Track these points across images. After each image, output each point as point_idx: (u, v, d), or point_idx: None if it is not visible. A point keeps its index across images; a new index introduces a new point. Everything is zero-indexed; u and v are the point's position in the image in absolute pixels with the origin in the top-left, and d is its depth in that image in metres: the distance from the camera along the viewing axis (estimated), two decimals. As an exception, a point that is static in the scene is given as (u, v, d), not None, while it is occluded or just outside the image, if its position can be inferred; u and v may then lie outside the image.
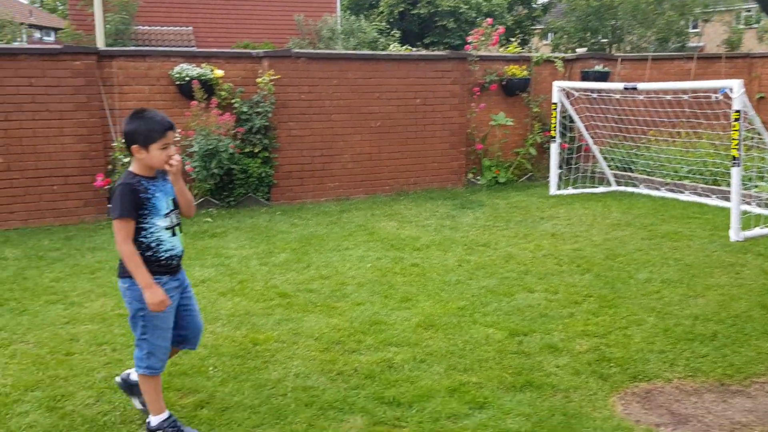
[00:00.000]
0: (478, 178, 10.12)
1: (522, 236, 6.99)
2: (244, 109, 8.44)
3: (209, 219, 7.91)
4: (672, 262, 5.99)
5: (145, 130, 3.08)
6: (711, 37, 32.12)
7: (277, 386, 3.70)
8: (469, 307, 4.92)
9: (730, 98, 6.86)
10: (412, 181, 9.62)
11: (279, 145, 8.78)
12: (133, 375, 3.40)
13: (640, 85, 8.09)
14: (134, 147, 3.09)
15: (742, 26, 33.06)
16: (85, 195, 7.85)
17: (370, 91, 9.23)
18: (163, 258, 3.16)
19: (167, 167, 3.11)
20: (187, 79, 8.06)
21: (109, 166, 7.97)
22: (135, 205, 3.05)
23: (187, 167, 7.98)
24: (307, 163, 8.97)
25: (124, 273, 3.16)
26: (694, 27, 33.75)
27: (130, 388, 3.46)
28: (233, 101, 8.42)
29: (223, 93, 8.35)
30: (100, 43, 11.69)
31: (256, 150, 8.59)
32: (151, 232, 3.12)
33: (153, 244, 3.14)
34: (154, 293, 3.04)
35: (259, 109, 8.51)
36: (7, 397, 3.54)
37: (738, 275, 5.59)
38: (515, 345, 4.29)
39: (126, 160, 7.77)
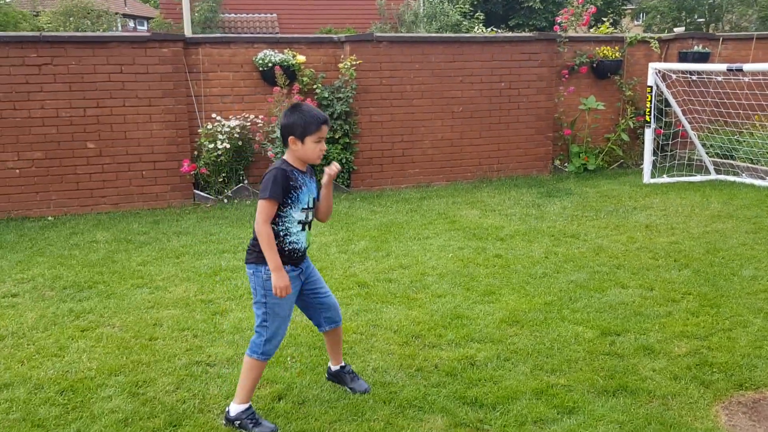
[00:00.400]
0: (566, 165, 9.71)
1: (613, 227, 6.62)
2: (326, 94, 8.38)
3: (290, 205, 7.91)
4: (781, 258, 5.50)
5: (302, 124, 3.17)
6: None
7: (355, 380, 3.59)
8: (556, 303, 4.67)
9: None
10: (495, 168, 9.33)
11: (359, 131, 8.69)
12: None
13: (746, 66, 7.48)
14: (291, 138, 3.20)
15: None
16: (172, 180, 8.02)
17: (453, 75, 8.99)
18: (286, 249, 3.22)
19: (327, 170, 3.23)
20: (269, 65, 8.07)
21: (195, 152, 8.11)
22: (284, 190, 3.15)
23: (269, 153, 8.01)
24: (387, 149, 8.85)
25: (250, 259, 3.26)
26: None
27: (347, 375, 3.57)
28: (315, 87, 8.38)
29: (305, 78, 8.32)
30: (188, 31, 11.96)
31: (337, 136, 8.53)
32: (284, 222, 3.20)
33: (281, 233, 3.20)
34: (281, 277, 3.11)
35: (340, 95, 8.44)
36: (91, 381, 3.60)
37: None
38: (607, 345, 4.02)
39: (210, 146, 7.89)
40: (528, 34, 9.53)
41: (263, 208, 3.12)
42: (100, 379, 3.63)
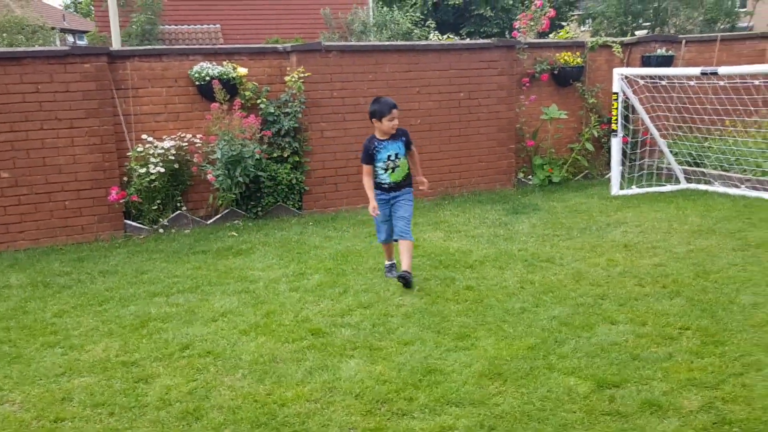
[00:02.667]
0: (530, 177, 9.18)
1: (590, 248, 6.07)
2: (271, 110, 7.66)
3: (234, 233, 7.16)
4: (778, 279, 5.01)
5: (380, 110, 5.18)
6: (763, 16, 30.37)
7: (308, 471, 2.89)
8: (541, 347, 4.04)
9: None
10: (457, 183, 8.74)
11: (310, 149, 7.99)
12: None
13: (722, 70, 7.05)
14: (374, 120, 5.21)
15: (796, 3, 31.21)
16: (99, 210, 7.16)
17: (409, 86, 8.37)
18: (376, 182, 5.34)
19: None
20: (207, 78, 7.31)
21: (125, 178, 7.27)
22: (368, 155, 5.28)
23: (209, 176, 7.23)
24: (341, 167, 8.16)
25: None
26: (742, 6, 32.00)
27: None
28: (258, 102, 7.65)
29: (247, 93, 7.58)
30: (116, 44, 11.02)
31: (285, 154, 7.81)
32: (375, 169, 5.30)
33: (374, 175, 5.33)
34: (371, 205, 5.23)
35: (287, 110, 7.72)
36: (-31, 492, 2.81)
37: None
38: (606, 402, 3.41)
39: (142, 170, 7.06)
40: (487, 41, 8.99)
41: (363, 169, 5.32)
42: (-19, 486, 2.85)
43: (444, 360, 3.93)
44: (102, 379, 3.82)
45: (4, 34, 22.58)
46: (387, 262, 5.60)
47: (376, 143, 5.22)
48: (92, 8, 47.26)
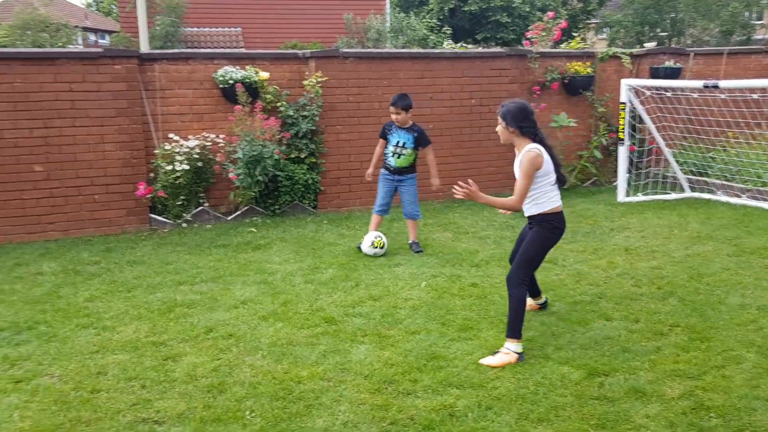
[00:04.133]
0: (538, 183, 9.45)
1: (592, 251, 6.36)
2: (290, 112, 8.01)
3: (253, 229, 7.51)
4: (767, 283, 5.28)
5: (391, 102, 6.27)
6: (779, 28, 30.40)
7: (321, 439, 3.22)
8: (538, 339, 4.35)
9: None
10: (467, 187, 9.03)
11: (326, 150, 8.34)
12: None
13: (723, 83, 7.32)
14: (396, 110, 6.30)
15: (813, 16, 31.22)
16: (126, 204, 7.55)
17: (422, 91, 8.70)
18: (384, 164, 6.47)
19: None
20: (230, 82, 7.67)
21: (151, 175, 7.65)
22: (383, 132, 6.48)
23: (231, 175, 7.60)
24: (355, 169, 8.50)
25: None
26: (759, 18, 32.01)
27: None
28: (279, 104, 8.01)
29: (268, 96, 7.94)
30: (145, 46, 11.45)
31: (303, 155, 8.16)
32: (386, 152, 6.44)
33: (385, 155, 6.46)
34: (368, 170, 6.71)
35: (305, 113, 8.08)
36: (20, 447, 3.16)
37: None
38: (596, 388, 3.71)
39: (168, 168, 7.44)
40: (499, 50, 9.30)
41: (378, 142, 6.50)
42: (30, 443, 3.20)
43: (447, 348, 4.24)
44: (133, 357, 4.17)
45: (29, 32, 23.16)
46: (370, 231, 6.50)
47: (393, 128, 6.38)
48: (113, 8, 48.04)
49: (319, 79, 8.07)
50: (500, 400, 3.58)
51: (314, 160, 8.27)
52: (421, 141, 6.39)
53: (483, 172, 9.15)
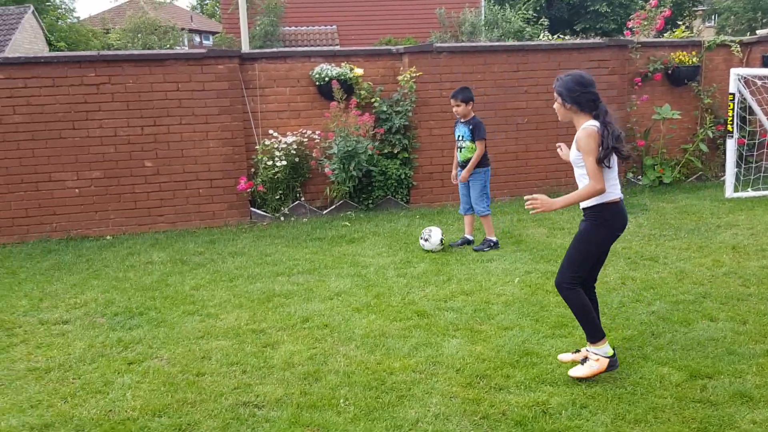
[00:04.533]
0: (639, 178, 9.13)
1: (696, 248, 6.07)
2: (384, 108, 8.11)
3: (347, 223, 7.67)
4: None
5: (456, 97, 6.29)
6: None
7: (413, 429, 3.26)
8: (637, 338, 4.22)
9: None
10: (563, 182, 8.84)
11: (419, 145, 8.38)
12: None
13: None
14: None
15: None
16: (228, 198, 7.90)
17: (517, 85, 8.58)
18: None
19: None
20: (326, 79, 7.86)
21: (252, 170, 7.96)
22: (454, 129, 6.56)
23: (326, 170, 7.79)
24: (447, 164, 8.47)
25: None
26: None
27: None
28: (373, 100, 8.13)
29: (362, 92, 8.08)
30: (246, 47, 11.90)
31: (396, 151, 8.25)
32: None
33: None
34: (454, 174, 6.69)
35: (398, 108, 8.15)
36: (134, 424, 3.38)
37: None
38: (698, 390, 3.56)
39: (269, 163, 7.72)
40: (598, 41, 9.02)
41: None
42: (143, 420, 3.42)
43: (541, 345, 4.18)
44: (235, 343, 4.37)
45: (139, 35, 24.55)
46: (465, 236, 6.58)
47: (457, 122, 6.46)
48: (217, 9, 50.08)
49: (413, 75, 8.12)
50: (595, 399, 3.51)
51: (407, 156, 8.34)
52: (474, 133, 6.29)
53: (579, 167, 8.90)
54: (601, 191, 3.54)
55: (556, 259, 5.96)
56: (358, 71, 8.05)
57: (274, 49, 9.36)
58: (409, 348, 4.19)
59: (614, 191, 3.64)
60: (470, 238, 6.62)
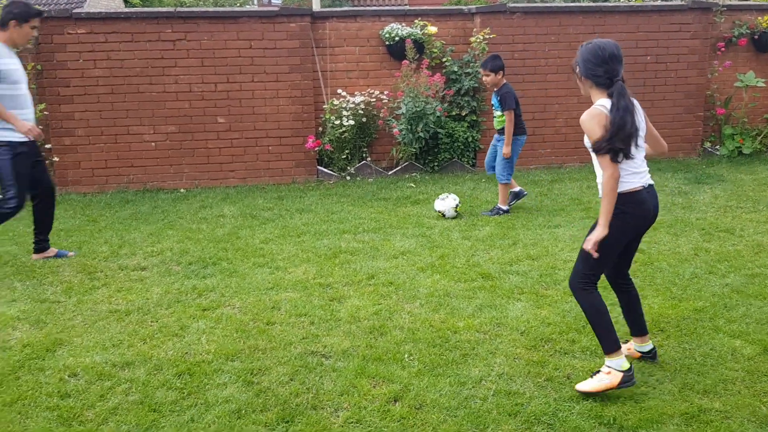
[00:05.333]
0: (717, 147, 8.78)
1: (775, 222, 5.84)
2: (455, 68, 8.03)
3: (412, 184, 7.69)
4: None
5: (485, 67, 6.25)
6: None
7: (477, 387, 3.31)
8: (709, 310, 4.12)
9: None
10: (635, 150, 8.59)
11: (487, 108, 8.26)
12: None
13: None
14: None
15: None
16: (296, 156, 8.02)
17: (593, 48, 8.30)
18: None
19: None
20: (396, 38, 7.82)
21: (320, 128, 8.05)
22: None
23: (394, 130, 7.80)
24: (517, 128, 8.36)
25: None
26: None
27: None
28: (444, 60, 8.04)
29: (434, 51, 8.00)
30: (316, 6, 11.91)
31: (463, 113, 8.17)
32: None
33: None
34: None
35: (469, 70, 8.05)
36: (208, 366, 3.55)
37: None
38: (772, 365, 3.47)
39: (336, 122, 7.78)
40: (679, 3, 8.63)
41: None
42: (216, 363, 3.58)
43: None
44: (303, 296, 4.50)
45: (211, -6, 24.87)
46: (514, 191, 6.54)
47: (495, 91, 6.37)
48: (286, -31, 50.05)
49: (486, 36, 7.97)
50: (663, 368, 3.46)
51: (475, 118, 8.25)
52: (503, 103, 6.17)
53: (654, 135, 8.62)
54: (617, 178, 3.08)
55: (625, 227, 5.84)
56: (432, 29, 7.96)
57: (345, 8, 9.35)
58: (473, 309, 4.22)
59: (632, 180, 3.17)
60: (516, 189, 6.54)
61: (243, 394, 3.27)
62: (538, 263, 5.03)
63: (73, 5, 15.70)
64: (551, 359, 3.57)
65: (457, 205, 6.32)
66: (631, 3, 9.24)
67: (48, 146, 7.67)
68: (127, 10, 9.36)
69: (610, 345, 3.21)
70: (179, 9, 7.77)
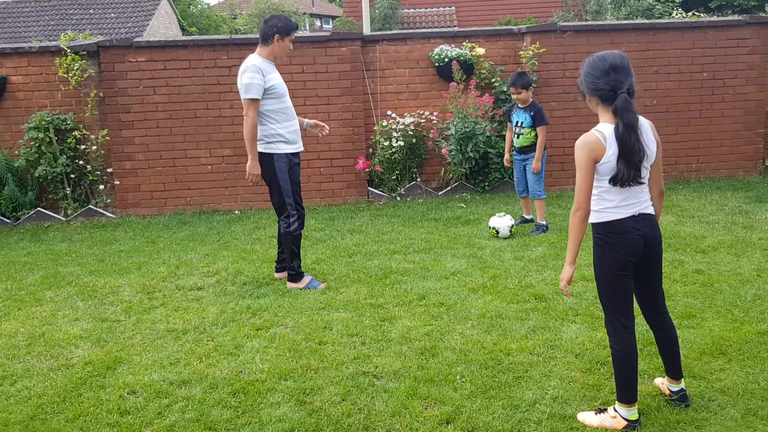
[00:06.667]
0: (778, 165, 8.49)
1: (844, 242, 5.60)
2: (504, 88, 8.01)
3: (462, 205, 7.67)
4: None
5: (515, 85, 6.27)
6: None
7: (530, 410, 3.26)
8: (773, 333, 3.97)
9: None
10: (694, 168, 8.39)
11: (539, 127, 8.20)
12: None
13: None
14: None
15: None
16: (347, 177, 8.11)
17: (646, 65, 8.18)
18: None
19: None
20: (446, 60, 7.86)
21: (370, 150, 8.12)
22: (507, 115, 6.64)
23: (444, 151, 7.81)
24: (568, 147, 8.27)
25: None
26: None
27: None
28: (493, 80, 8.04)
29: (483, 72, 8.01)
30: (366, 29, 12.11)
31: (515, 133, 8.12)
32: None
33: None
34: (506, 159, 6.69)
35: (519, 90, 8.01)
36: (262, 385, 3.60)
37: None
38: (843, 392, 3.31)
39: (386, 143, 7.85)
40: (737, 18, 8.43)
41: None
42: (270, 382, 3.63)
43: (666, 334, 4.02)
44: (354, 316, 4.53)
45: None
46: (524, 216, 6.71)
47: (514, 107, 6.43)
48: (337, -6, 50.99)
49: (537, 51, 7.94)
50: (725, 393, 3.35)
51: (526, 138, 8.19)
52: (536, 119, 6.25)
53: (713, 153, 8.42)
54: (582, 216, 2.96)
55: (684, 248, 5.70)
56: (480, 51, 7.98)
57: (395, 31, 9.46)
58: (526, 330, 4.17)
59: (618, 211, 2.97)
60: (528, 217, 6.70)
61: (296, 414, 3.30)
62: (592, 284, 4.92)
63: (133, 34, 16.36)
64: (607, 383, 3.49)
65: (512, 225, 6.28)
66: (685, 19, 9.07)
67: (109, 170, 7.97)
68: (185, 38, 9.70)
69: (626, 396, 3.07)
70: (234, 36, 8.00)
